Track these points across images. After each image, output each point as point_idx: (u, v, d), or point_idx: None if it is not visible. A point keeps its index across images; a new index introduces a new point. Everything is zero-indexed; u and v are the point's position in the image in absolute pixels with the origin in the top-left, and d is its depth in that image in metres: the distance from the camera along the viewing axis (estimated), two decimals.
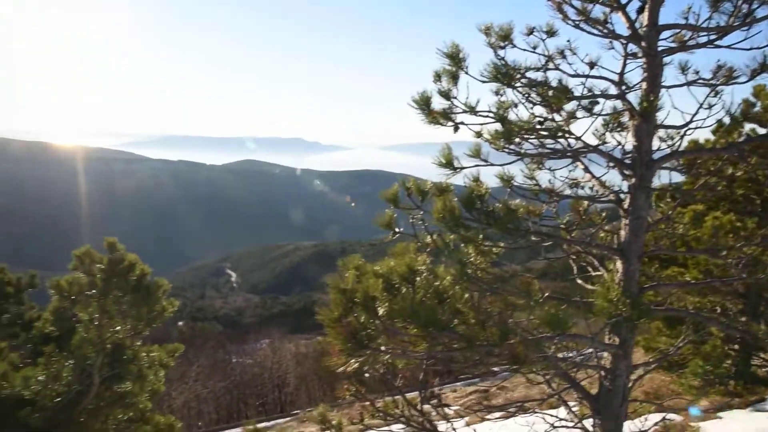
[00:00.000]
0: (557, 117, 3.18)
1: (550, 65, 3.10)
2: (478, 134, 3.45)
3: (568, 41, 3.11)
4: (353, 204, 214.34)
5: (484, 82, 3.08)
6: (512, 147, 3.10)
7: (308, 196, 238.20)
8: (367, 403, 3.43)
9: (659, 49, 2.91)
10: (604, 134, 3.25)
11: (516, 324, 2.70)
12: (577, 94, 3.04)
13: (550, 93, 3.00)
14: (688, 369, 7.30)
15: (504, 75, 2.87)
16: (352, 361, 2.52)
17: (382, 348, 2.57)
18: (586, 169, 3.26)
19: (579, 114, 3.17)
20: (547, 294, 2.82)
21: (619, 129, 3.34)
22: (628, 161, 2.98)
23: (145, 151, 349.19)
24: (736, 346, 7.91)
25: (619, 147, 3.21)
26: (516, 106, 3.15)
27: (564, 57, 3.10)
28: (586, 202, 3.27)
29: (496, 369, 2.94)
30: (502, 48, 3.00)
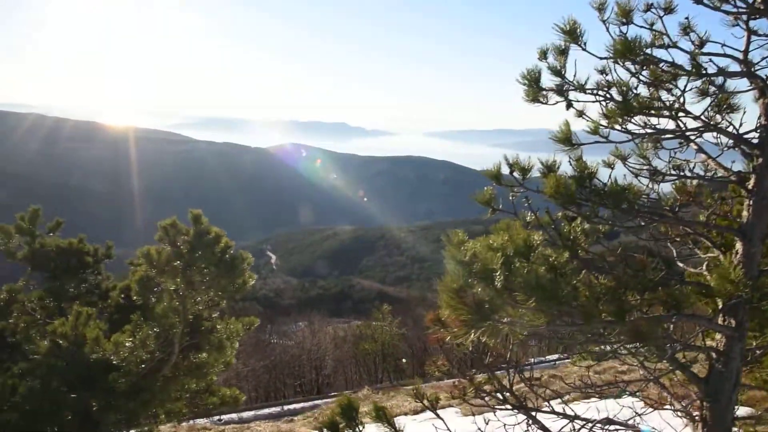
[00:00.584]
0: (669, 96, 3.11)
1: (666, 42, 3.02)
2: (580, 113, 3.42)
3: (687, 18, 3.03)
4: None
5: (603, 58, 3.04)
6: (628, 126, 3.04)
7: (351, 180, 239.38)
8: (461, 380, 3.45)
9: None
10: (714, 115, 3.15)
11: (630, 302, 2.67)
12: (699, 72, 2.96)
13: (670, 69, 2.93)
14: None
15: (630, 50, 2.82)
16: (472, 332, 2.55)
17: (505, 320, 2.59)
18: (700, 149, 3.18)
19: (694, 94, 3.08)
20: (663, 273, 2.77)
21: (729, 110, 3.23)
22: (754, 140, 2.90)
23: (192, 133, 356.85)
24: None
25: (731, 128, 3.12)
26: (632, 85, 3.10)
27: (687, 34, 3.02)
28: (695, 182, 3.19)
29: (608, 347, 2.92)
30: (624, 24, 2.94)
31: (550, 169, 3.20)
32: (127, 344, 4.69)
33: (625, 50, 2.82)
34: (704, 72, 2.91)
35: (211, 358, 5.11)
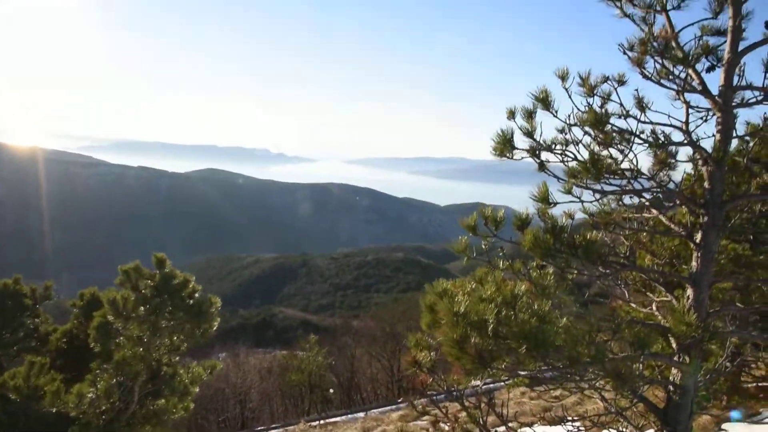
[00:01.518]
0: (619, 155, 3.53)
1: (613, 111, 3.46)
2: (542, 166, 3.78)
3: (636, 90, 3.48)
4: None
5: (573, 125, 3.42)
6: (595, 186, 3.42)
7: (271, 207, 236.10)
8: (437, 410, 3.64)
9: (734, 103, 3.29)
10: (662, 175, 3.60)
11: (605, 345, 2.99)
12: (647, 138, 3.40)
13: (626, 136, 3.35)
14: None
15: (599, 121, 3.20)
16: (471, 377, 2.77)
17: (502, 366, 2.83)
18: (653, 206, 3.61)
19: (647, 156, 3.52)
20: (630, 318, 3.12)
21: (668, 168, 3.70)
22: (700, 201, 3.34)
23: (104, 156, 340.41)
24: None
25: (674, 186, 3.57)
26: (579, 145, 3.52)
27: (642, 107, 3.46)
28: (646, 234, 3.62)
29: (584, 385, 3.22)
30: (590, 96, 3.35)
31: (524, 222, 3.51)
32: (89, 395, 4.50)
33: (596, 121, 3.21)
34: (662, 142, 3.34)
35: (170, 405, 5.00)
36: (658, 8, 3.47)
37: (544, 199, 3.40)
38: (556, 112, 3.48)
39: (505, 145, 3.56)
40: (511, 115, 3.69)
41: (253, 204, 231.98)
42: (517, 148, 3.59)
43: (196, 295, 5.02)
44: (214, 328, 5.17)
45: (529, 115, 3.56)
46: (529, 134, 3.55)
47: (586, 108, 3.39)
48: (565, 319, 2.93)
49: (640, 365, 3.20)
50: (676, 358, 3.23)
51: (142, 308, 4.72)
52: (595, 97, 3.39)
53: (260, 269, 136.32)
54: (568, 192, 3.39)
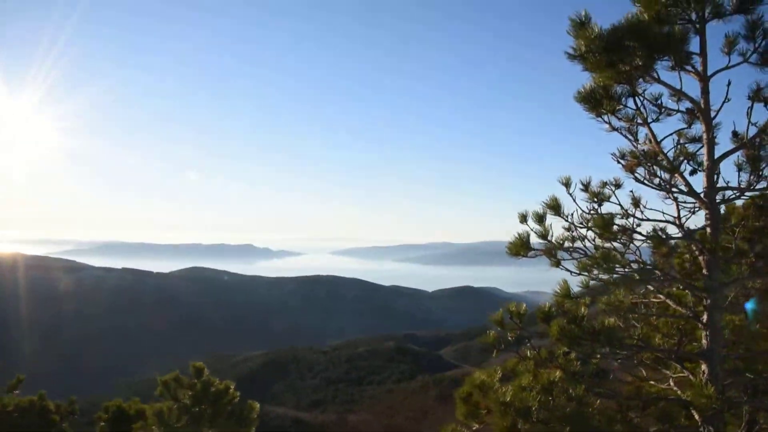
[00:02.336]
0: (626, 250, 4.03)
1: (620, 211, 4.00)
2: (557, 263, 4.26)
3: (631, 191, 4.04)
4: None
5: (580, 226, 3.94)
6: (607, 276, 3.89)
7: (258, 303, 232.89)
8: None
9: (717, 200, 3.84)
10: (664, 262, 4.10)
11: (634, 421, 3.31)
12: (647, 233, 3.92)
13: (630, 233, 3.87)
14: None
15: (607, 225, 3.72)
16: None
17: None
18: (659, 292, 4.07)
19: (646, 246, 4.02)
20: (655, 395, 3.48)
21: (668, 258, 4.20)
22: (700, 285, 3.81)
23: (87, 259, 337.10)
24: None
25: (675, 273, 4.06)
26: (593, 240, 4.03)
27: (637, 205, 4.01)
28: (655, 318, 4.05)
29: None
30: (596, 202, 3.90)
31: (547, 315, 3.93)
32: None
33: (603, 224, 3.72)
34: (662, 238, 3.85)
35: None
36: (641, 121, 4.09)
37: (566, 295, 3.83)
38: (567, 216, 4.01)
39: (521, 247, 4.04)
40: (523, 218, 4.22)
41: (240, 300, 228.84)
42: (533, 249, 4.08)
43: (235, 401, 5.21)
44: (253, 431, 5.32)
45: (540, 218, 4.09)
46: (543, 236, 4.05)
47: (590, 210, 3.93)
48: (598, 401, 3.27)
49: None
50: (701, 431, 3.54)
51: (184, 418, 4.91)
52: (597, 200, 3.93)
53: (249, 368, 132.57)
54: (586, 286, 3.84)
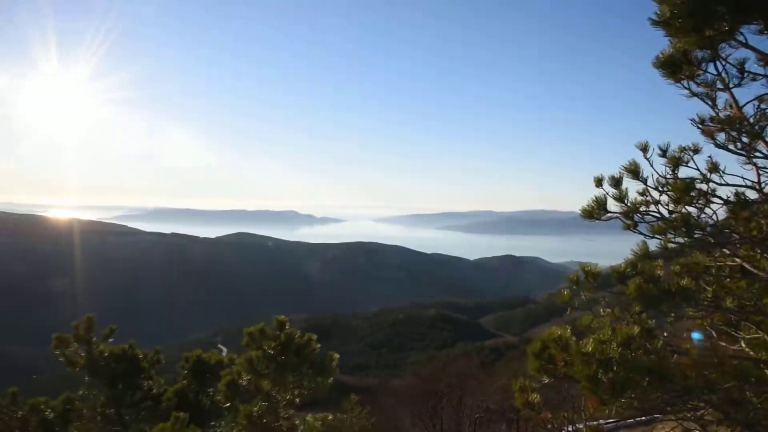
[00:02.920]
0: (700, 214, 4.12)
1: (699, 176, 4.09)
2: (634, 226, 4.39)
3: (709, 157, 4.11)
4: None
5: (656, 190, 4.06)
6: (684, 240, 4.01)
7: (301, 269, 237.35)
8: None
9: None
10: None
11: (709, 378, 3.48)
12: (727, 198, 4.00)
13: (707, 197, 3.96)
14: None
15: (688, 189, 3.83)
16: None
17: (632, 396, 3.35)
18: (735, 255, 4.17)
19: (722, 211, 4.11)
20: (731, 353, 3.63)
21: (748, 223, 4.27)
22: None
23: (138, 224, 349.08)
24: None
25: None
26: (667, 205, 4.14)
27: (716, 170, 4.08)
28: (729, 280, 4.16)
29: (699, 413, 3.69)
30: (674, 167, 4.00)
31: (623, 275, 4.08)
32: None
33: (685, 188, 3.82)
34: (744, 201, 3.93)
35: None
36: (721, 87, 4.13)
37: (644, 256, 3.97)
38: (645, 180, 4.12)
39: (598, 209, 4.19)
40: (599, 182, 4.35)
41: (283, 266, 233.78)
42: (610, 212, 4.22)
43: (316, 351, 5.59)
44: (330, 381, 5.69)
45: (617, 182, 4.21)
46: (620, 199, 4.18)
47: (667, 175, 4.02)
48: (675, 355, 3.45)
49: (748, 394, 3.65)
50: None
51: (272, 365, 5.31)
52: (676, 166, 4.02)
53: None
54: (665, 248, 3.97)
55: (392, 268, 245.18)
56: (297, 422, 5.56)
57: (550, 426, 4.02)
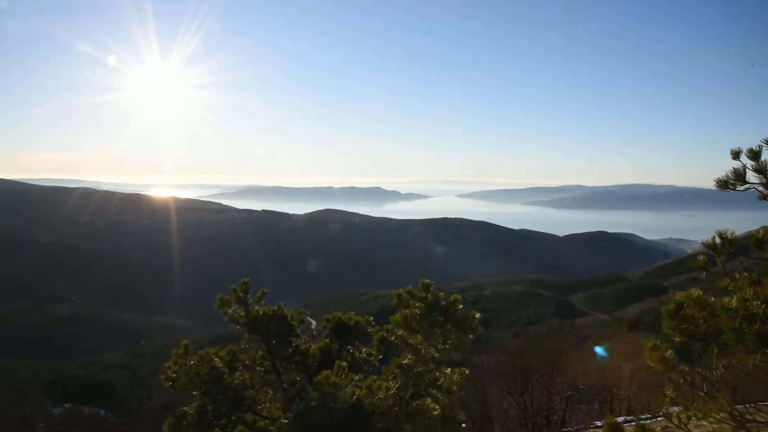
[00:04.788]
0: None
1: None
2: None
3: None
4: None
5: None
6: None
7: (387, 245, 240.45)
8: None
9: None
10: None
11: None
12: None
13: None
14: None
15: None
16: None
17: None
18: None
19: None
20: None
21: None
22: None
23: (232, 202, 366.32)
24: None
25: None
26: None
27: None
28: None
29: None
30: None
31: (761, 241, 4.40)
32: (390, 391, 5.84)
33: None
34: None
35: (429, 405, 6.20)
36: None
37: None
38: None
39: (736, 179, 4.50)
40: (736, 155, 4.65)
41: (368, 242, 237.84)
42: (749, 182, 4.52)
43: (460, 311, 6.23)
44: (471, 338, 6.32)
45: (755, 155, 4.50)
46: (761, 171, 4.48)
47: None
48: None
49: None
50: None
51: (423, 322, 6.01)
52: None
53: (378, 306, 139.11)
54: None
55: (477, 244, 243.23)
56: (438, 374, 6.25)
57: (683, 379, 4.44)
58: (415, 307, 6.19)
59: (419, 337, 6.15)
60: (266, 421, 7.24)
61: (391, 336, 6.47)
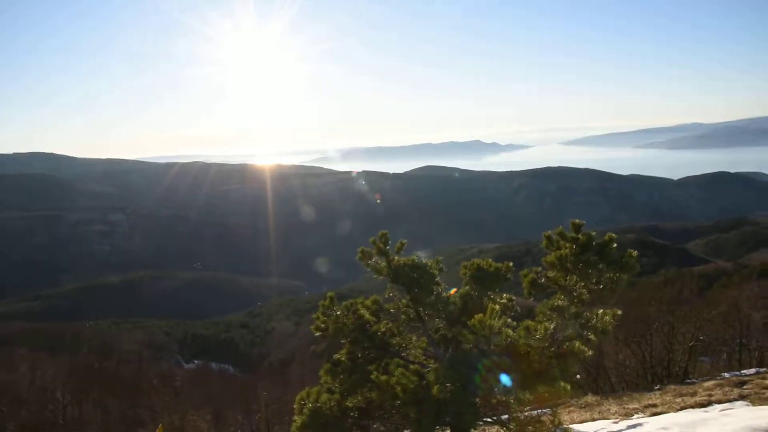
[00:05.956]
0: None
1: None
2: None
3: None
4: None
5: None
6: None
7: (489, 197, 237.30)
8: None
9: None
10: None
11: None
12: None
13: None
14: None
15: None
16: None
17: None
18: None
19: None
20: None
21: None
22: None
23: (333, 165, 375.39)
24: None
25: None
26: None
27: None
28: None
29: None
30: None
31: None
32: (548, 331, 5.81)
33: None
34: None
35: (581, 346, 6.07)
36: None
37: None
38: None
39: None
40: None
41: (471, 195, 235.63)
42: None
43: (614, 249, 5.99)
44: (625, 279, 6.07)
45: None
46: None
47: None
48: None
49: None
50: None
51: (577, 261, 5.87)
52: None
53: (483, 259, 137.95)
54: None
55: (585, 193, 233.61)
56: (590, 315, 6.08)
57: None
58: (566, 248, 6.02)
59: (574, 277, 6.00)
60: (415, 365, 7.44)
61: (541, 278, 6.37)
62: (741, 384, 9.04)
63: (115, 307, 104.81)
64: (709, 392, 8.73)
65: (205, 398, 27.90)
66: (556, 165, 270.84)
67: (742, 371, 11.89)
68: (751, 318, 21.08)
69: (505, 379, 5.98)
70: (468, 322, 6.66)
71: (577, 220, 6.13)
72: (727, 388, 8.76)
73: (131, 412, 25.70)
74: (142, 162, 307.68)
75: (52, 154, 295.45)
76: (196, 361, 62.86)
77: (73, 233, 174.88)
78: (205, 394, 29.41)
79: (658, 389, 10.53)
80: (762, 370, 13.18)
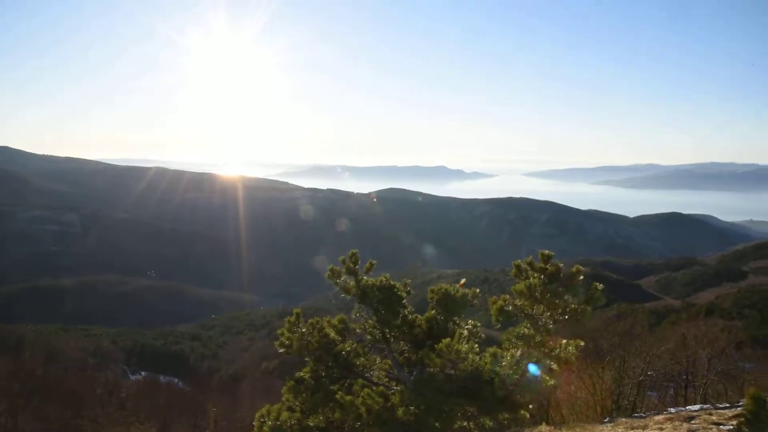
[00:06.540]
0: None
1: None
2: None
3: None
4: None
5: None
6: None
7: (451, 224, 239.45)
8: None
9: None
10: None
11: None
12: None
13: None
14: None
15: None
16: None
17: None
18: None
19: None
20: None
21: None
22: None
23: (298, 181, 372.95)
24: None
25: None
26: None
27: None
28: None
29: None
30: None
31: None
32: (512, 360, 5.94)
33: None
34: None
35: (544, 376, 6.24)
36: None
37: None
38: None
39: None
40: None
41: (432, 220, 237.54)
42: None
43: (581, 281, 6.17)
44: (589, 310, 6.27)
45: None
46: None
47: None
48: None
49: None
50: None
51: (546, 291, 6.03)
52: None
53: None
54: None
55: (544, 225, 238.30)
56: (553, 344, 6.24)
57: None
58: (535, 278, 6.19)
59: (541, 306, 6.15)
60: (380, 386, 7.45)
61: (508, 306, 6.50)
62: (690, 419, 9.32)
63: (61, 312, 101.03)
64: (659, 426, 8.97)
65: (152, 411, 27.08)
66: (518, 196, 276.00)
67: (687, 407, 12.26)
68: (698, 355, 21.73)
69: (468, 404, 6.07)
70: (435, 346, 6.74)
71: (546, 251, 6.32)
72: (677, 422, 9.01)
73: (73, 423, 24.72)
74: (103, 163, 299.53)
75: (6, 147, 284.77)
76: (143, 373, 60.83)
77: (23, 231, 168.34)
78: (152, 407, 28.54)
79: (608, 422, 10.74)
80: (706, 406, 13.59)
